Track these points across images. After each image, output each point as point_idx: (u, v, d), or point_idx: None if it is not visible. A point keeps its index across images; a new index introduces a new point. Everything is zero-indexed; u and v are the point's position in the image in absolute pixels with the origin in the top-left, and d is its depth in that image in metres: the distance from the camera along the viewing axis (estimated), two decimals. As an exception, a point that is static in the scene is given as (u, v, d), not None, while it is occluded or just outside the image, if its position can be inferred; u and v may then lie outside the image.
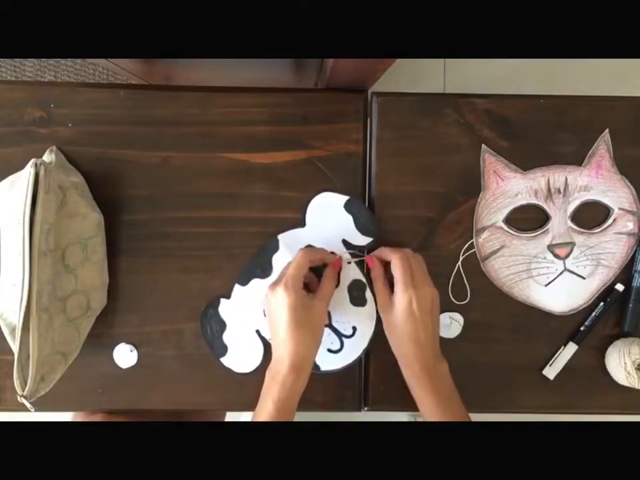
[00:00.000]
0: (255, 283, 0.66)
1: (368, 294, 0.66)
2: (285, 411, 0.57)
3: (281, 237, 0.66)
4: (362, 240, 0.66)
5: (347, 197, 0.66)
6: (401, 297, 0.59)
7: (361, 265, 0.66)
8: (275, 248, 0.66)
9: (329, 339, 0.66)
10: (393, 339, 0.62)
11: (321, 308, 0.60)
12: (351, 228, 0.66)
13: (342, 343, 0.66)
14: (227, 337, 0.66)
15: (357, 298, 0.66)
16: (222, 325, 0.66)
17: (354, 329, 0.66)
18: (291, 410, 0.57)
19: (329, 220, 0.66)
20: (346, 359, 0.66)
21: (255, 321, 0.66)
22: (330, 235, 0.66)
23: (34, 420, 0.46)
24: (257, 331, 0.66)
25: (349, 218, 0.66)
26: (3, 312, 0.56)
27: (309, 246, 0.66)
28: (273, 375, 0.58)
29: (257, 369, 0.66)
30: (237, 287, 0.66)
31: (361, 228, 0.66)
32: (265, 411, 0.56)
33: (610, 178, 0.67)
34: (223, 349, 0.66)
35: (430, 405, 0.58)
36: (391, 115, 0.67)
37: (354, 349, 0.66)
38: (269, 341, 0.66)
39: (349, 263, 0.66)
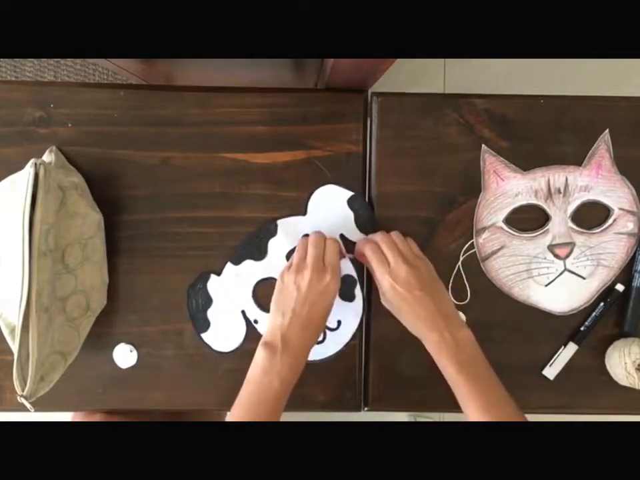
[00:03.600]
0: (248, 264, 0.66)
1: (357, 290, 0.67)
2: (289, 389, 0.58)
3: (280, 222, 0.66)
4: (359, 237, 0.66)
5: (351, 193, 0.66)
6: (381, 285, 0.60)
7: (355, 261, 0.66)
8: (273, 232, 0.66)
9: None
10: (405, 325, 0.61)
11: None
12: (350, 224, 0.66)
13: (325, 335, 0.66)
14: (211, 313, 0.66)
15: (346, 293, 0.66)
16: (208, 301, 0.66)
17: (339, 322, 0.67)
18: (292, 387, 0.58)
19: (330, 213, 0.67)
20: (326, 352, 0.67)
21: (241, 301, 0.66)
22: (329, 227, 0.66)
23: (34, 420, 0.46)
24: (243, 312, 0.66)
25: (350, 214, 0.66)
26: (3, 312, 0.56)
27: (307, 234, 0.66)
28: (280, 351, 0.57)
29: (235, 349, 0.66)
30: (229, 265, 0.66)
31: (360, 225, 0.66)
32: (272, 388, 0.56)
33: (610, 178, 0.67)
34: (206, 325, 0.66)
35: (451, 374, 0.57)
36: (391, 115, 0.67)
37: (336, 343, 0.67)
38: (253, 324, 0.66)
39: (344, 257, 0.66)
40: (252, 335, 0.66)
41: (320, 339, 0.66)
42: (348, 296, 0.66)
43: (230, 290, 0.66)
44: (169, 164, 0.66)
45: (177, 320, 0.66)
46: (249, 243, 0.66)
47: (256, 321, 0.66)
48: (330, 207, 0.67)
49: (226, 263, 0.66)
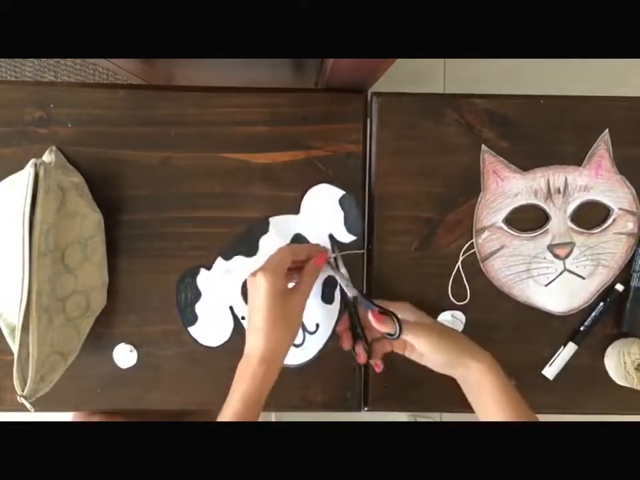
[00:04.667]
0: (238, 260, 0.66)
1: (337, 292, 0.66)
2: (252, 407, 0.54)
3: (272, 219, 0.66)
4: (346, 237, 0.66)
5: (343, 192, 0.66)
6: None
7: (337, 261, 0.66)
8: (265, 230, 0.66)
9: None
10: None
11: (300, 302, 0.58)
12: (339, 224, 0.66)
13: (304, 338, 0.66)
14: (199, 307, 0.66)
15: (328, 295, 0.66)
16: (197, 295, 0.66)
17: (317, 325, 0.66)
18: (258, 406, 0.55)
19: (322, 212, 0.67)
20: (306, 355, 0.67)
21: (230, 296, 0.66)
22: (319, 227, 0.66)
23: (34, 420, 0.46)
24: (231, 307, 0.66)
25: (341, 214, 0.67)
26: (3, 312, 0.56)
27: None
28: (242, 368, 0.56)
29: (223, 344, 0.66)
30: (219, 259, 0.66)
31: (348, 226, 0.66)
32: (231, 408, 0.54)
33: (610, 178, 0.67)
34: (193, 319, 0.66)
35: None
36: (390, 115, 0.67)
37: (314, 346, 0.67)
38: (241, 320, 0.66)
39: (333, 258, 0.65)
40: (239, 331, 0.66)
41: (299, 342, 0.66)
42: (329, 298, 0.66)
43: (219, 285, 0.66)
44: (169, 164, 0.66)
45: (177, 320, 0.66)
46: (240, 239, 0.66)
47: (243, 318, 0.66)
48: (322, 205, 0.67)
49: (216, 257, 0.66)
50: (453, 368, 0.58)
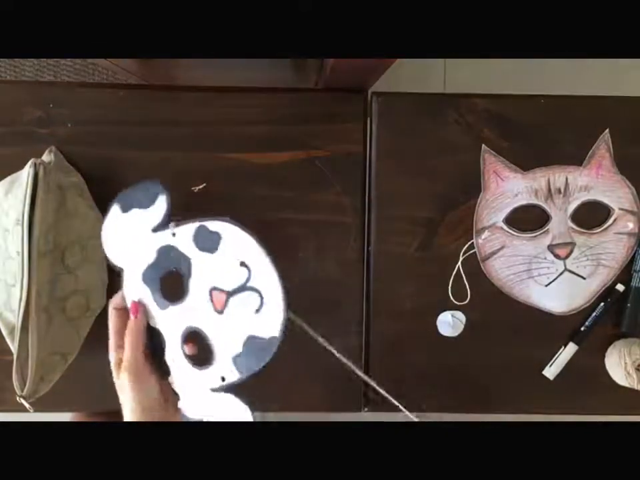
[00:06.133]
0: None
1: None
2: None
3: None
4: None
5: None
6: None
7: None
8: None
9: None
10: None
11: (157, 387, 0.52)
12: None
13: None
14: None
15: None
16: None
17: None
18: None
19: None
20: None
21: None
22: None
23: (34, 420, 0.46)
24: (222, 377, 0.51)
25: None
26: (2, 312, 0.56)
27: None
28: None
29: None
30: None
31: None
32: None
33: (610, 178, 0.67)
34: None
35: None
36: (391, 115, 0.67)
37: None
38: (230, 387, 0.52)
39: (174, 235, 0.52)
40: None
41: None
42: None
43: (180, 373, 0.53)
44: (169, 164, 0.66)
45: (177, 320, 0.66)
46: None
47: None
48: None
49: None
50: None
